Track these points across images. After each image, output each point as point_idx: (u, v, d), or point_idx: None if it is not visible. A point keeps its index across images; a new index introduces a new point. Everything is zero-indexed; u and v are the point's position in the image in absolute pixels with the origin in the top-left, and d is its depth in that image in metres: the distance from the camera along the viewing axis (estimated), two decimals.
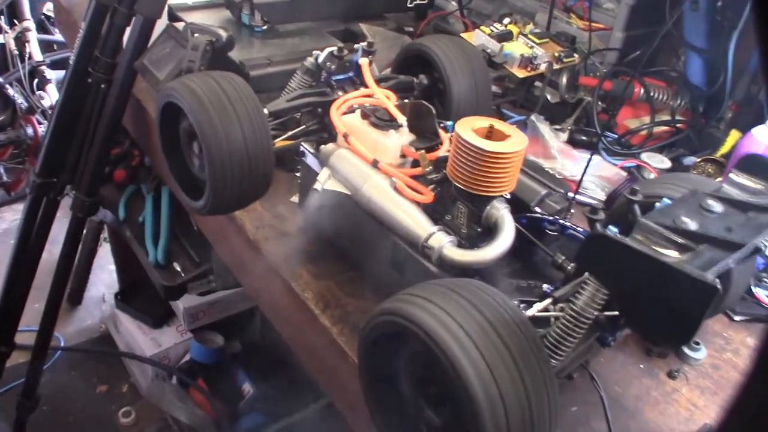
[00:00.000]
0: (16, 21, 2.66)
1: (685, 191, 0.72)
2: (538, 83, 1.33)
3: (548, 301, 0.66)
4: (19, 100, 2.55)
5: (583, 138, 1.26)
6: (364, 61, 0.95)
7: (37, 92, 2.54)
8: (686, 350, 0.86)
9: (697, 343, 0.87)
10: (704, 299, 0.52)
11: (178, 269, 1.63)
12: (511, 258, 0.74)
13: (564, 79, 1.31)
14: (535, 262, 0.77)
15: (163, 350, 2.08)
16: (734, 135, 1.17)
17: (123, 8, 1.26)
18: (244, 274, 1.09)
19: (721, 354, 0.89)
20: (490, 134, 0.75)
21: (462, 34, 1.35)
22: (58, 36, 2.76)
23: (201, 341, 2.04)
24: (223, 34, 1.09)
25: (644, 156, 1.18)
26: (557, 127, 1.26)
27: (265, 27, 1.31)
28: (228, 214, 0.98)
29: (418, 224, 0.76)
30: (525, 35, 1.31)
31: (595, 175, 1.15)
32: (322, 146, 0.88)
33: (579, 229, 0.75)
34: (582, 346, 0.69)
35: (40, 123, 2.59)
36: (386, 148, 0.83)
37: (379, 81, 0.98)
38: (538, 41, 1.30)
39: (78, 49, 1.35)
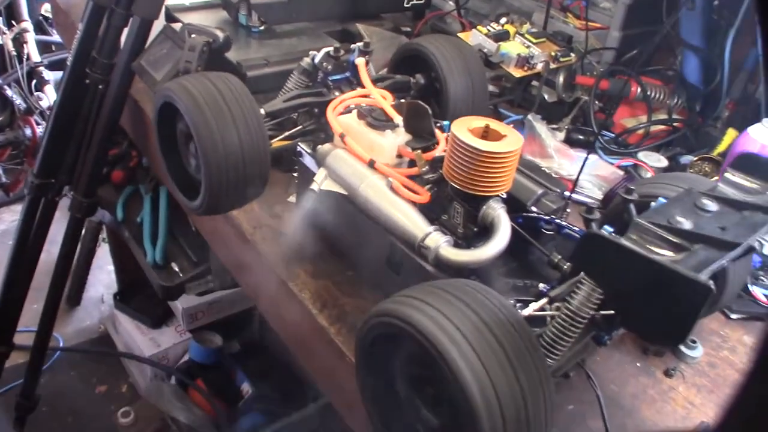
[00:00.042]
0: (13, 22, 2.66)
1: (681, 190, 0.72)
2: (535, 83, 1.34)
3: (544, 300, 0.66)
4: (18, 101, 2.55)
5: (580, 137, 1.26)
6: (360, 62, 0.96)
7: (35, 93, 2.54)
8: (683, 348, 0.86)
9: (694, 342, 0.87)
10: (698, 299, 0.52)
11: (176, 269, 1.63)
12: (507, 257, 0.75)
13: (561, 79, 1.31)
14: (532, 261, 0.77)
15: (162, 350, 2.08)
16: (731, 134, 1.17)
17: (120, 9, 1.26)
18: (242, 274, 1.09)
19: (717, 352, 0.89)
20: (486, 134, 0.75)
21: (459, 34, 1.35)
22: (56, 37, 2.76)
23: (200, 341, 2.04)
24: (220, 34, 1.10)
25: (641, 155, 1.19)
26: (554, 126, 1.26)
27: (262, 27, 1.31)
28: (224, 213, 0.98)
29: (415, 224, 0.77)
30: (522, 35, 1.31)
31: (592, 174, 1.15)
32: (319, 146, 0.88)
33: (575, 228, 0.75)
34: (578, 345, 0.69)
35: (38, 124, 2.59)
36: (382, 148, 0.83)
37: (375, 81, 0.98)
38: (534, 41, 1.30)
39: (75, 50, 1.35)
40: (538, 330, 0.65)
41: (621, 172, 1.17)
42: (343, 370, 0.83)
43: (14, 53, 2.56)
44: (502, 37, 1.29)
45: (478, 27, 1.30)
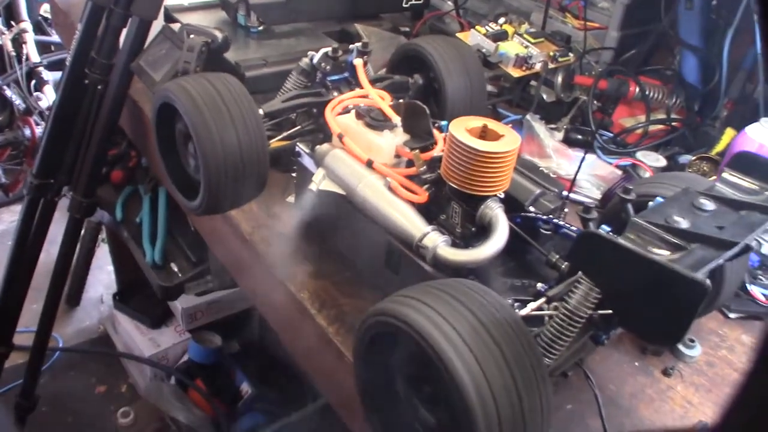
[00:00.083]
0: (13, 22, 2.66)
1: (679, 190, 0.73)
2: (533, 82, 1.34)
3: (542, 300, 0.66)
4: (17, 101, 2.55)
5: (579, 137, 1.26)
6: (358, 62, 0.96)
7: (35, 93, 2.54)
8: (681, 348, 0.86)
9: (692, 341, 0.87)
10: (695, 298, 0.52)
11: (175, 269, 1.63)
12: (505, 257, 0.75)
13: (559, 79, 1.31)
14: (530, 261, 0.77)
15: (162, 350, 2.08)
16: (729, 133, 1.17)
17: (119, 9, 1.26)
18: (241, 275, 1.09)
19: (716, 351, 0.89)
20: (484, 134, 0.75)
21: (458, 34, 1.35)
22: (55, 37, 2.75)
23: (199, 341, 2.04)
24: (219, 35, 1.10)
25: (640, 154, 1.19)
26: (553, 126, 1.26)
27: (260, 28, 1.31)
28: (223, 214, 0.98)
29: (413, 224, 0.77)
30: (520, 35, 1.32)
31: (590, 174, 1.15)
32: (318, 146, 0.89)
33: (573, 228, 0.75)
34: (576, 345, 0.69)
35: (37, 124, 2.59)
36: (381, 148, 0.83)
37: (374, 81, 0.98)
38: (533, 41, 1.31)
39: (74, 51, 1.36)
40: (536, 329, 0.66)
41: (619, 172, 1.17)
42: (341, 370, 0.83)
43: (13, 53, 2.56)
44: (500, 37, 1.29)
45: (477, 27, 1.31)
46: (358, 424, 0.82)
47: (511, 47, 1.28)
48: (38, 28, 2.77)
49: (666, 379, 0.84)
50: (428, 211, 0.79)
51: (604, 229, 0.64)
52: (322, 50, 0.98)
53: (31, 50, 2.58)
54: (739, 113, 1.22)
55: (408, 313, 0.57)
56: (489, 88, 1.32)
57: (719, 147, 1.17)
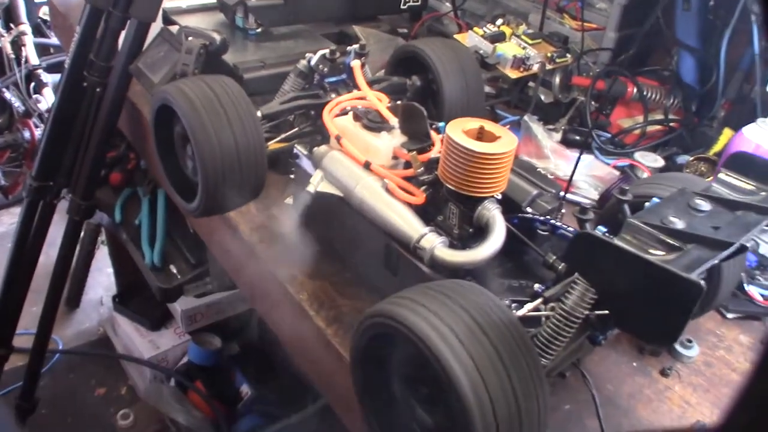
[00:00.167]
0: (12, 25, 2.66)
1: (675, 191, 0.73)
2: (531, 84, 1.34)
3: (539, 300, 0.67)
4: (16, 103, 2.56)
5: (577, 138, 1.26)
6: (356, 64, 0.96)
7: (34, 96, 2.55)
8: (679, 348, 0.86)
9: (690, 341, 0.87)
10: (690, 298, 0.53)
11: (174, 271, 1.63)
12: (502, 258, 0.75)
13: (557, 80, 1.32)
14: (527, 261, 0.77)
15: (161, 352, 2.08)
16: (727, 133, 1.17)
17: (118, 12, 1.26)
18: (240, 276, 1.10)
19: (713, 351, 0.89)
20: (481, 135, 0.76)
21: (456, 36, 1.35)
22: (54, 40, 2.76)
23: (199, 343, 2.04)
24: (217, 37, 1.10)
25: (637, 155, 1.19)
26: (551, 127, 1.26)
27: (259, 30, 1.31)
28: (221, 215, 0.98)
29: (410, 225, 0.77)
30: (518, 36, 1.32)
31: (588, 175, 1.15)
32: (315, 148, 0.89)
33: (570, 228, 0.75)
34: (573, 345, 0.70)
35: (36, 126, 2.59)
36: (378, 149, 0.83)
37: (372, 83, 0.98)
38: (530, 42, 1.31)
39: (73, 53, 1.36)
40: (533, 330, 0.66)
41: (617, 173, 1.17)
42: (340, 371, 0.83)
43: (13, 56, 2.57)
44: (498, 38, 1.29)
45: (475, 28, 1.31)
46: (357, 425, 0.82)
47: (509, 48, 1.28)
48: (37, 31, 2.78)
49: (664, 379, 0.84)
50: (426, 213, 0.80)
51: (600, 230, 0.64)
52: (320, 52, 0.99)
53: (30, 53, 2.59)
54: (736, 113, 1.22)
55: (405, 315, 0.57)
56: (487, 89, 1.33)
57: (717, 147, 1.17)
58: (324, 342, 0.85)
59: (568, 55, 1.33)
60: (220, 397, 1.99)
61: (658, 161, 1.17)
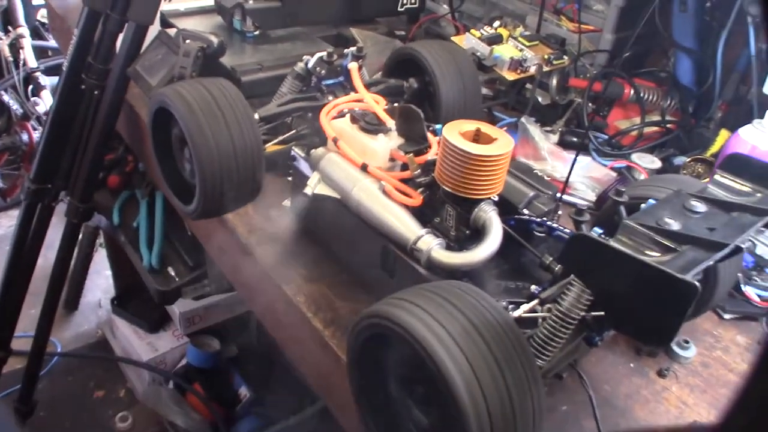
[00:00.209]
0: (10, 27, 2.66)
1: (671, 192, 0.73)
2: (528, 85, 1.34)
3: (535, 302, 0.67)
4: (14, 106, 2.56)
5: (574, 139, 1.27)
6: (353, 66, 0.96)
7: (32, 98, 2.55)
8: (676, 348, 0.86)
9: (687, 342, 0.87)
10: (685, 299, 0.53)
11: (173, 274, 1.63)
12: (499, 260, 0.75)
13: (554, 81, 1.32)
14: (524, 263, 0.78)
15: (160, 355, 2.08)
16: (724, 134, 1.18)
17: (115, 15, 1.26)
18: (237, 278, 1.10)
19: (710, 352, 0.89)
20: (477, 137, 0.76)
21: (453, 38, 1.36)
22: (52, 42, 2.76)
23: (197, 345, 2.04)
24: (215, 40, 1.10)
25: (634, 156, 1.19)
26: (548, 128, 1.27)
27: (256, 32, 1.32)
28: (219, 217, 0.98)
29: (407, 227, 0.77)
30: (515, 38, 1.32)
31: (585, 176, 1.15)
32: (313, 150, 0.89)
33: (566, 230, 0.75)
34: (569, 347, 0.70)
35: (35, 129, 2.59)
36: (375, 152, 0.84)
37: (369, 85, 0.99)
38: (528, 44, 1.31)
39: (71, 56, 1.36)
40: (530, 332, 0.66)
41: (614, 174, 1.17)
42: (337, 372, 0.83)
43: (11, 59, 2.57)
44: (495, 40, 1.30)
45: (472, 30, 1.31)
46: (354, 426, 0.82)
47: (506, 50, 1.29)
48: (35, 33, 2.78)
49: (661, 380, 0.84)
50: (423, 214, 0.80)
51: (596, 232, 0.64)
52: (318, 54, 0.99)
53: (28, 55, 2.59)
54: (733, 115, 1.23)
55: (400, 315, 0.57)
56: (484, 91, 1.33)
57: (714, 148, 1.17)
58: (321, 344, 0.85)
59: (565, 57, 1.33)
60: (218, 400, 1.99)
61: (655, 163, 1.18)
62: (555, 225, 0.76)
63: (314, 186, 0.86)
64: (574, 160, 0.89)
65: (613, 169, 1.19)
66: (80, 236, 1.94)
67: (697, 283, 0.52)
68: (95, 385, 2.28)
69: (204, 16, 1.40)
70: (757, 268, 0.99)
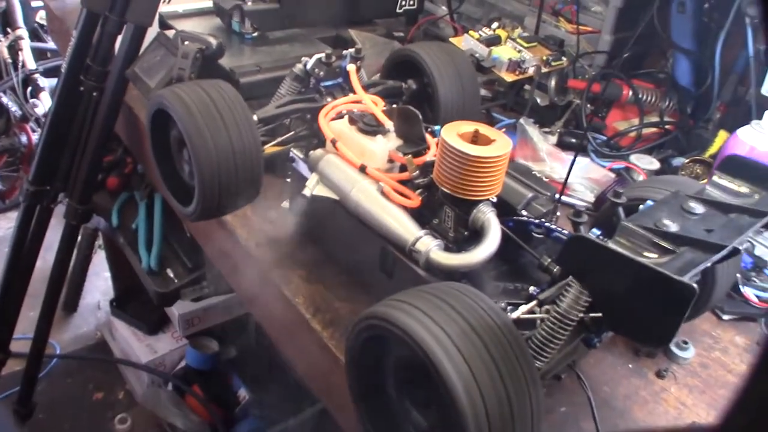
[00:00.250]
0: (9, 29, 2.66)
1: (669, 193, 0.73)
2: (527, 87, 1.34)
3: (533, 303, 0.67)
4: (13, 108, 2.56)
5: (572, 140, 1.27)
6: (351, 68, 0.96)
7: (31, 100, 2.55)
8: (675, 349, 0.86)
9: (686, 343, 0.87)
10: (683, 301, 0.53)
11: (171, 275, 1.63)
12: (498, 261, 0.75)
13: (553, 83, 1.32)
14: (522, 264, 0.78)
15: (159, 357, 2.08)
16: (722, 135, 1.18)
17: (114, 16, 1.26)
18: (236, 280, 1.10)
19: (709, 353, 0.89)
20: (476, 139, 0.76)
21: (451, 39, 1.36)
22: (51, 44, 2.76)
23: (196, 347, 2.04)
24: (213, 41, 1.10)
25: (633, 158, 1.19)
26: (547, 129, 1.27)
27: (255, 34, 1.32)
28: (217, 219, 0.98)
29: (406, 228, 0.77)
30: (513, 39, 1.32)
31: (584, 177, 1.15)
32: (311, 152, 0.89)
33: (564, 231, 0.75)
34: (568, 348, 0.70)
35: (33, 131, 2.60)
36: (374, 153, 0.84)
37: (367, 87, 0.99)
38: (526, 45, 1.31)
39: (70, 58, 1.36)
40: (528, 333, 0.66)
41: (613, 175, 1.17)
42: (336, 374, 0.83)
43: (9, 60, 2.57)
44: (493, 41, 1.30)
45: (470, 32, 1.31)
46: (353, 427, 0.82)
47: (505, 51, 1.29)
48: (34, 35, 2.78)
49: (660, 380, 0.84)
50: (421, 216, 0.80)
51: (595, 233, 0.64)
52: (316, 56, 0.99)
53: (27, 57, 2.59)
54: (731, 116, 1.23)
55: (399, 317, 0.57)
56: (483, 92, 1.33)
57: (712, 149, 1.17)
58: (320, 345, 0.85)
59: (564, 58, 1.33)
60: (217, 401, 1.99)
61: (654, 164, 1.18)
62: (553, 226, 0.76)
63: (313, 187, 0.86)
64: (573, 161, 0.89)
65: (611, 170, 1.19)
66: (79, 238, 1.95)
67: (695, 285, 0.52)
68: (94, 387, 2.28)
69: (202, 17, 1.40)
70: (756, 269, 0.99)
